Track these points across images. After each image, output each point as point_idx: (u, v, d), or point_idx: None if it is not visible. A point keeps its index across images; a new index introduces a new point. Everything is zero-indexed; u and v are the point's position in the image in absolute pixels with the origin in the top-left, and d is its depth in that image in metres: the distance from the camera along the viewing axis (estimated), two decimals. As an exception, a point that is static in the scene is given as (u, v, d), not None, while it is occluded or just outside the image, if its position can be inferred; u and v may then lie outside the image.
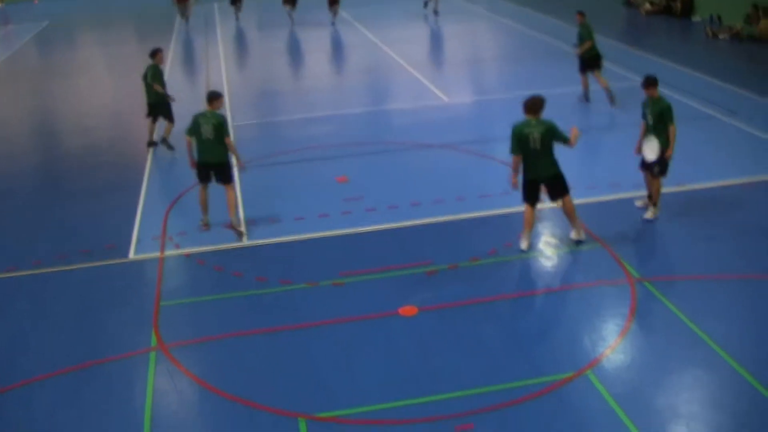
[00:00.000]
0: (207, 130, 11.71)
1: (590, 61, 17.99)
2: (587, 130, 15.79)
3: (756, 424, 7.53)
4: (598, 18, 29.24)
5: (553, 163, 10.78)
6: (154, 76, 15.89)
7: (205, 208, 12.28)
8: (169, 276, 11.11)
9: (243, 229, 12.18)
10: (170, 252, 11.70)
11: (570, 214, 11.05)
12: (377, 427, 7.76)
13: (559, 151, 10.84)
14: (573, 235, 11.16)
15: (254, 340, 9.37)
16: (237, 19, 32.42)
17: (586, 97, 18.36)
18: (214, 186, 12.12)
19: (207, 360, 9.13)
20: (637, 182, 12.47)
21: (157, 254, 11.66)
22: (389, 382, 8.41)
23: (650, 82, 11.51)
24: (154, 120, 16.15)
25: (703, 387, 8.17)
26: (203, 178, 12.07)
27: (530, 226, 11.14)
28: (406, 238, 11.71)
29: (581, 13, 18.28)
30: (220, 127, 11.79)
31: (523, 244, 11.06)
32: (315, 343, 9.26)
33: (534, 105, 10.67)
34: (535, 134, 10.53)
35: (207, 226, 12.29)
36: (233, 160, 12.40)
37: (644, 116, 11.66)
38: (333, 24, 29.73)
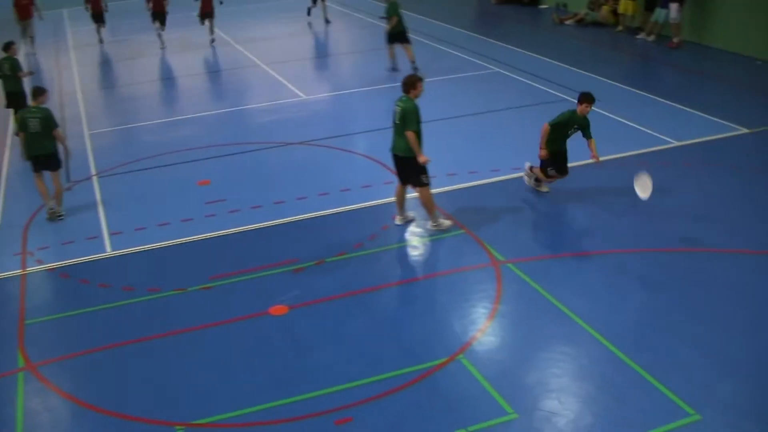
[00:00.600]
0: (34, 124, 12.39)
1: (397, 36, 19.98)
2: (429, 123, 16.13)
3: (620, 389, 7.92)
4: (452, 7, 30.03)
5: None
6: (13, 67, 16.18)
7: (45, 195, 12.77)
8: (32, 293, 10.72)
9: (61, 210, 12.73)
10: (32, 268, 11.29)
11: (425, 204, 11.35)
12: (257, 429, 7.73)
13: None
14: (430, 224, 11.43)
15: (126, 351, 9.16)
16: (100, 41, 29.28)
17: (394, 67, 20.33)
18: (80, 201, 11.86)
19: (78, 376, 8.86)
20: (492, 167, 12.89)
21: (18, 271, 11.24)
22: (266, 383, 8.38)
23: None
24: (16, 112, 15.83)
25: (571, 360, 8.49)
26: (36, 168, 12.71)
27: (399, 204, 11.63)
28: (272, 238, 11.67)
29: None
30: (47, 120, 12.45)
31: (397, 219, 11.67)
32: (188, 349, 9.13)
33: (406, 83, 11.09)
34: (397, 109, 10.97)
35: (53, 211, 12.67)
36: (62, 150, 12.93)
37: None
38: (212, 42, 26.01)
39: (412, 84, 10.98)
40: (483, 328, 9.05)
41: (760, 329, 8.88)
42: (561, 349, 8.68)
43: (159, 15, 25.90)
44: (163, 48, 25.40)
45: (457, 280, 10.17)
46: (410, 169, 11.06)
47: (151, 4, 26.19)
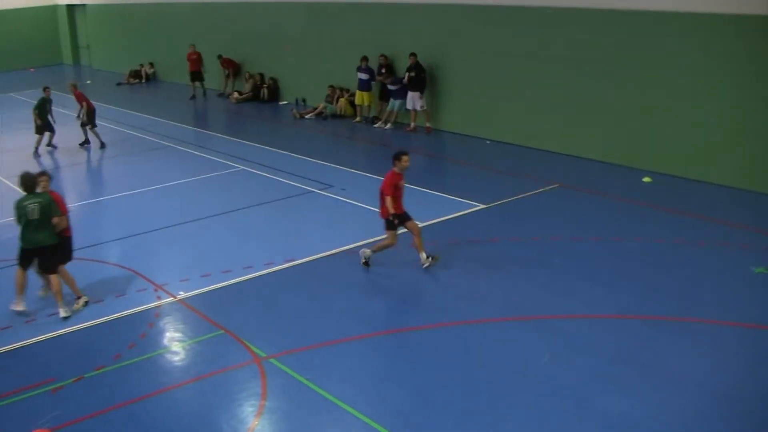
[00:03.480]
0: None
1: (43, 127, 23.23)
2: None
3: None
4: (198, 108, 30.15)
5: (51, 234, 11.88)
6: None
7: None
8: None
9: None
10: None
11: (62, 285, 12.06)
12: None
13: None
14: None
15: None
16: None
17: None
18: None
19: None
20: (246, 263, 13.02)
21: None
22: None
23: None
24: None
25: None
26: None
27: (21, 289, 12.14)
28: (26, 358, 10.99)
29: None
30: None
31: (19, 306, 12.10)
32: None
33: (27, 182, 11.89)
34: (35, 207, 11.67)
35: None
36: None
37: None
38: None
39: (35, 182, 11.85)
40: (252, 428, 8.93)
41: (514, 391, 9.42)
42: (331, 437, 8.75)
43: None
44: None
45: (222, 382, 9.99)
46: (53, 255, 11.96)
47: None
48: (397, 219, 12.91)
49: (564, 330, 11.02)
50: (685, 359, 10.12)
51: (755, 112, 16.33)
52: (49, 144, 23.87)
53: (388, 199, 12.73)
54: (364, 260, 13.17)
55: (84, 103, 23.51)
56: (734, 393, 9.25)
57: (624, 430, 8.61)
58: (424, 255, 13.01)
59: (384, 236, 13.21)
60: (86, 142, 24.04)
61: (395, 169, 12.89)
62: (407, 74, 23.42)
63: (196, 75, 32.38)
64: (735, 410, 8.92)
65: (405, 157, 12.93)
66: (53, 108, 23.92)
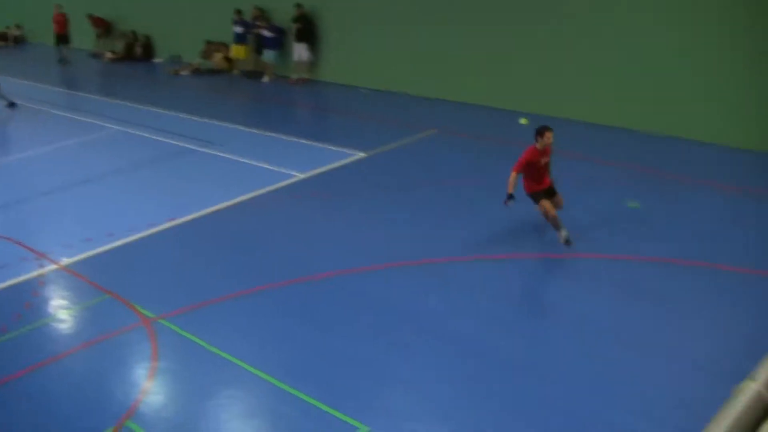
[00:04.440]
0: None
1: None
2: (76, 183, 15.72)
3: (293, 420, 8.21)
4: (69, 70, 29.24)
5: None
6: None
7: None
8: None
9: None
10: None
11: None
12: None
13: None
14: None
15: None
16: None
17: None
18: None
19: None
20: (130, 225, 12.93)
21: None
22: None
23: None
24: None
25: (239, 402, 8.65)
26: None
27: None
28: None
29: None
30: None
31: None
32: None
33: None
34: None
35: None
36: None
37: None
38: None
39: None
40: (145, 389, 8.93)
41: (400, 334, 9.72)
42: (227, 393, 8.80)
43: None
44: None
45: (111, 346, 9.90)
46: None
47: None
48: (532, 198, 12.11)
49: (446, 273, 11.37)
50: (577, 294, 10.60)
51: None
52: None
53: (512, 176, 11.69)
54: (564, 241, 11.88)
55: None
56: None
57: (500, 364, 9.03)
58: (563, 232, 11.89)
59: (540, 209, 12.12)
60: None
61: (537, 145, 11.85)
62: (295, 26, 23.33)
63: (62, 38, 30.93)
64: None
65: (548, 134, 11.76)
66: None
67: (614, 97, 17.73)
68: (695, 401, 8.11)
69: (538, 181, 12.02)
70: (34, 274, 11.87)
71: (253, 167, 15.84)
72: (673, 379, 8.68)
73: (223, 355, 9.44)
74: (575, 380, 8.70)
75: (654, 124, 17.29)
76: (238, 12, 25.01)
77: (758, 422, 4.87)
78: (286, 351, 9.58)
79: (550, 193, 12.11)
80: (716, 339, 9.49)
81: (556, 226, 11.88)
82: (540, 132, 11.81)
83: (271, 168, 15.78)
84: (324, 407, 8.34)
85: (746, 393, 4.98)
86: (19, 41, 37.17)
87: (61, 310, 10.98)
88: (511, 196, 11.54)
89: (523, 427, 7.96)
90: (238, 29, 25.17)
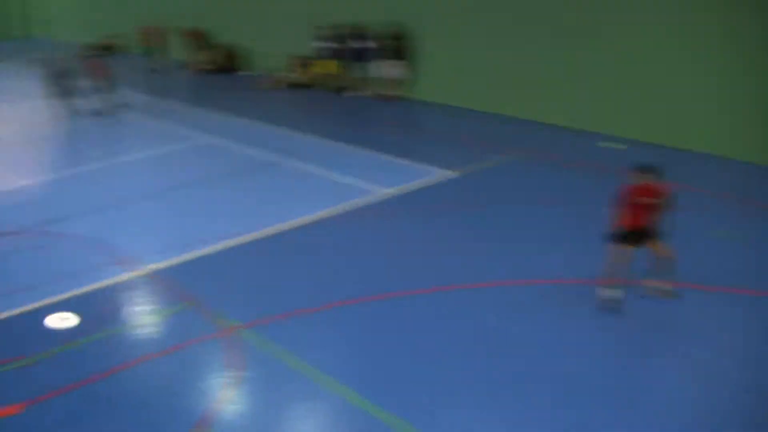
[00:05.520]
0: None
1: None
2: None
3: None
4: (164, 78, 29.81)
5: None
6: None
7: None
8: None
9: None
10: None
11: None
12: None
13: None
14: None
15: None
16: None
17: None
18: None
19: None
20: (216, 233, 12.90)
21: None
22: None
23: None
24: None
25: (318, 415, 8.53)
26: None
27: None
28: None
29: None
30: None
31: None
32: None
33: None
34: None
35: None
36: None
37: None
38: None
39: None
40: (224, 398, 8.82)
41: (468, 356, 9.46)
42: (306, 405, 8.67)
43: None
44: None
45: (192, 353, 9.84)
46: None
47: None
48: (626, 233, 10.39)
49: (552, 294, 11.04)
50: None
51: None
52: None
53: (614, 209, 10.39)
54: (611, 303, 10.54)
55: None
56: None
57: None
58: (663, 285, 10.69)
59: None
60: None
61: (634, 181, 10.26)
62: (389, 43, 23.31)
63: (156, 49, 31.80)
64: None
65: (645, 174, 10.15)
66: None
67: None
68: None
69: (637, 218, 10.32)
70: (122, 278, 11.89)
71: (340, 182, 15.76)
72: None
73: (305, 366, 9.27)
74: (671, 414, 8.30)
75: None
76: (329, 28, 25.14)
77: None
78: (370, 367, 9.39)
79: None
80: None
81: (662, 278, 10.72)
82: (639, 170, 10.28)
83: (361, 183, 15.67)
84: (405, 424, 8.14)
85: None
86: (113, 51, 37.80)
87: (145, 316, 10.97)
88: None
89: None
90: (329, 44, 25.29)
